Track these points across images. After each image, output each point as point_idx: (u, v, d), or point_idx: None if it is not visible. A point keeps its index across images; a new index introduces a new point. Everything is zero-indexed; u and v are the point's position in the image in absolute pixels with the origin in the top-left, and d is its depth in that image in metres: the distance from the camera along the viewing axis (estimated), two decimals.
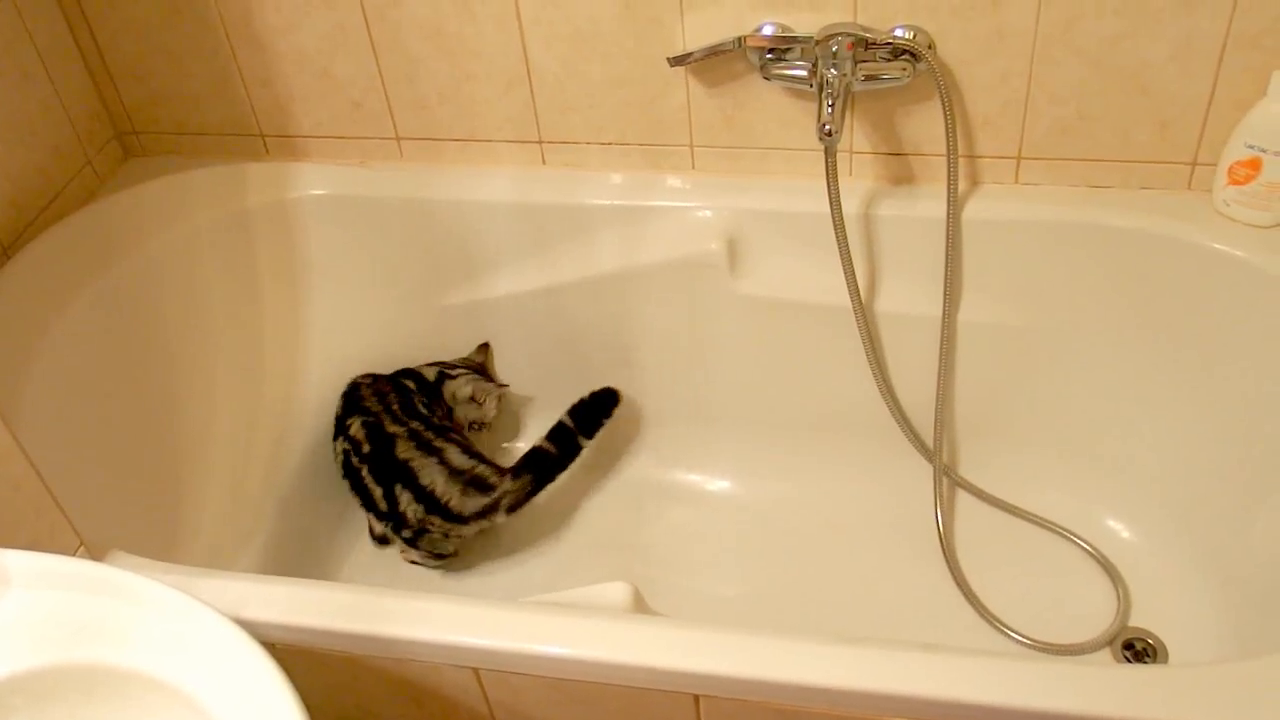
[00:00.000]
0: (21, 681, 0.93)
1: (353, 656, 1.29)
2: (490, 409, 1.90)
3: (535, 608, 1.29)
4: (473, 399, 1.88)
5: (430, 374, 1.91)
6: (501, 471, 1.76)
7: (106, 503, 1.54)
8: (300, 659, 1.29)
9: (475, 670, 1.28)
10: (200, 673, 0.92)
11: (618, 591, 1.36)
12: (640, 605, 1.37)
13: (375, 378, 1.90)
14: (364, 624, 1.26)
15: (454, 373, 1.90)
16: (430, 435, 1.79)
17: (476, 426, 1.93)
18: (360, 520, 1.90)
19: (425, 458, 1.76)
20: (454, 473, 1.74)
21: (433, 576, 1.84)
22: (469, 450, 1.79)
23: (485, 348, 1.96)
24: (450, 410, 1.89)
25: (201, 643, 0.94)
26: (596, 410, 1.83)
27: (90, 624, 0.97)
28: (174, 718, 0.92)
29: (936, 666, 1.16)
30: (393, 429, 1.79)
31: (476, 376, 1.90)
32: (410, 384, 1.88)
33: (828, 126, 1.53)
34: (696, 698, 1.23)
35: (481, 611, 1.27)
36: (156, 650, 0.94)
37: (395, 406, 1.83)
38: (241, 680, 0.91)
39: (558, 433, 1.80)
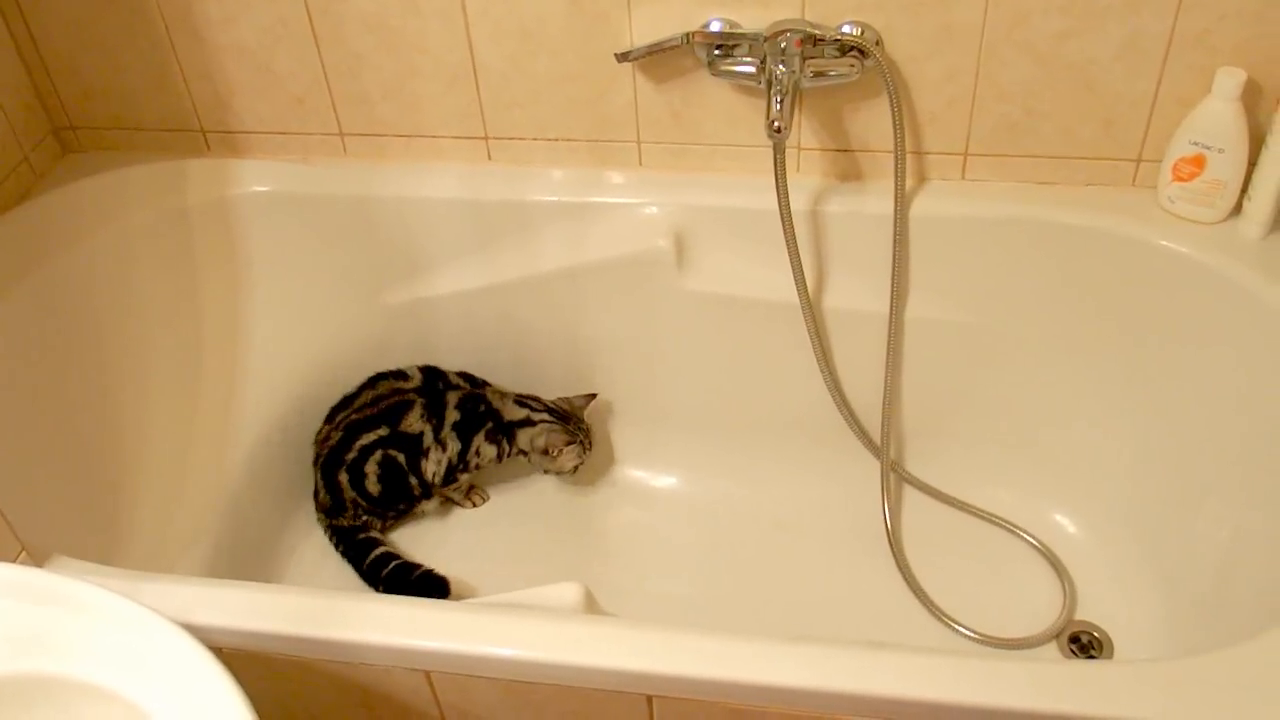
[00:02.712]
0: None
1: (303, 661, 1.29)
2: (565, 461, 1.86)
3: (487, 609, 1.29)
4: (545, 452, 1.85)
5: (514, 413, 1.87)
6: (333, 518, 1.85)
7: (45, 507, 1.52)
8: (249, 664, 1.28)
9: (427, 673, 1.27)
10: (149, 683, 0.91)
11: (569, 592, 1.36)
12: (592, 605, 1.37)
13: (430, 377, 1.89)
14: (314, 628, 1.25)
15: (537, 418, 1.86)
16: (333, 442, 1.84)
17: (552, 474, 1.92)
18: (305, 522, 1.89)
19: (321, 449, 1.86)
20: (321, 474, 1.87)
21: None
22: (338, 489, 1.83)
23: (590, 398, 1.93)
24: (524, 453, 1.87)
25: (151, 652, 0.93)
26: (416, 587, 1.75)
27: (36, 634, 0.96)
28: None
29: (888, 665, 1.17)
30: (336, 418, 1.87)
31: (556, 427, 1.85)
32: (453, 413, 1.84)
33: (776, 123, 1.53)
34: (650, 698, 1.24)
35: (433, 614, 1.27)
36: (104, 660, 0.93)
37: (353, 415, 1.85)
38: (191, 689, 0.90)
39: (379, 559, 1.78)
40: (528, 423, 1.85)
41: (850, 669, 1.17)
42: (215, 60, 1.79)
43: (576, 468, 1.88)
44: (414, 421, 1.83)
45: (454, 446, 1.83)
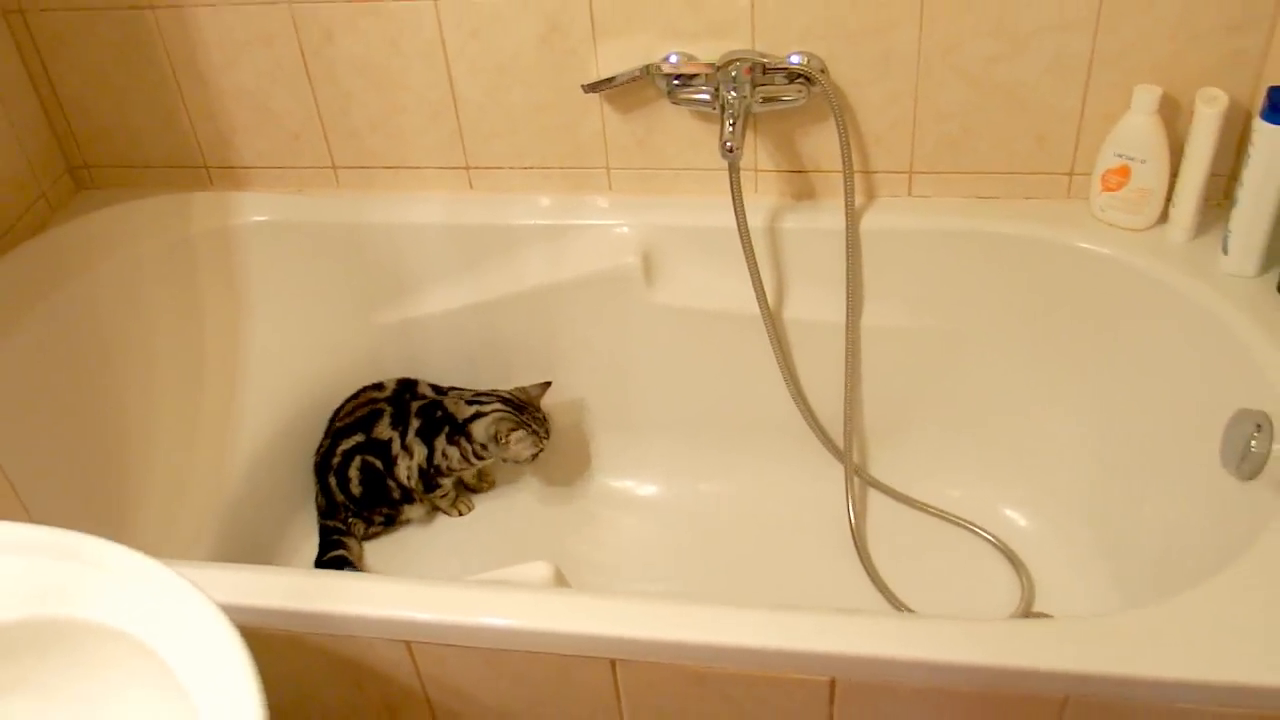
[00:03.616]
0: None
1: (291, 635, 1.36)
2: (520, 449, 1.89)
3: (463, 584, 1.37)
4: (496, 439, 1.89)
5: (465, 412, 1.92)
6: (328, 519, 1.98)
7: (57, 508, 1.61)
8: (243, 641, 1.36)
9: (408, 644, 1.34)
10: (159, 626, 0.97)
11: (539, 570, 1.44)
12: (561, 582, 1.45)
13: (401, 388, 1.99)
14: (301, 601, 1.33)
15: (487, 409, 1.90)
16: (323, 448, 1.98)
17: (511, 463, 1.97)
18: (301, 530, 1.98)
19: (317, 455, 2.00)
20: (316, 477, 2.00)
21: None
22: (330, 491, 1.96)
23: (545, 385, 1.97)
24: (484, 446, 1.91)
25: (160, 600, 0.99)
26: None
27: (56, 583, 1.00)
28: (134, 666, 0.97)
29: (835, 625, 1.25)
30: (329, 427, 2.01)
31: (506, 414, 1.89)
32: (415, 420, 1.94)
33: (729, 144, 1.63)
34: (613, 663, 1.31)
35: (412, 588, 1.35)
36: (118, 607, 0.98)
37: (337, 423, 1.97)
38: (197, 634, 0.96)
39: (336, 560, 1.91)
40: (478, 416, 1.90)
41: (799, 629, 1.24)
42: (218, 101, 1.90)
43: (535, 455, 1.92)
44: (384, 429, 1.93)
45: (420, 452, 1.92)
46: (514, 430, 1.87)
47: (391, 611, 1.32)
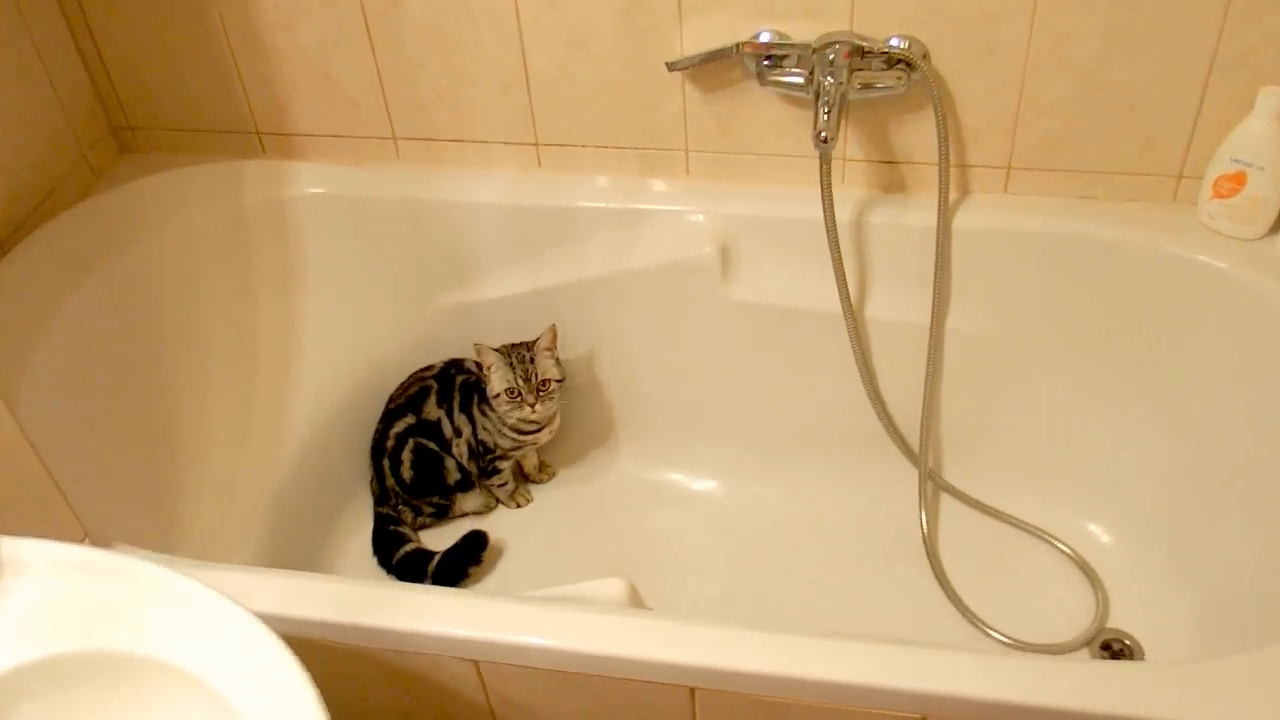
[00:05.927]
0: (40, 668, 0.95)
1: (354, 649, 1.32)
2: (497, 382, 1.81)
3: (536, 602, 1.32)
4: (482, 373, 1.84)
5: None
6: (380, 506, 1.94)
7: (105, 496, 1.56)
8: (299, 651, 1.30)
9: (475, 663, 1.31)
10: (213, 658, 0.94)
11: (614, 587, 1.40)
12: (636, 600, 1.41)
13: (448, 366, 1.94)
14: (368, 617, 1.29)
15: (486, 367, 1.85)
16: (378, 432, 1.94)
17: (518, 430, 1.89)
18: (356, 516, 1.94)
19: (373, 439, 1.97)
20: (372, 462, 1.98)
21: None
22: (383, 476, 1.92)
23: (550, 329, 1.84)
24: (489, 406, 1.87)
25: (214, 628, 0.96)
26: (465, 557, 1.84)
27: (105, 611, 0.98)
28: (188, 701, 0.94)
29: (918, 661, 1.21)
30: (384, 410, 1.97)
31: (506, 363, 1.81)
32: (457, 395, 1.91)
33: (824, 134, 1.57)
34: (692, 690, 1.27)
35: (483, 605, 1.30)
36: (170, 636, 0.96)
37: (389, 405, 1.94)
38: (254, 664, 0.94)
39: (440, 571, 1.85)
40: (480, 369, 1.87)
41: (885, 665, 1.21)
42: (273, 64, 1.84)
43: (532, 422, 1.85)
44: (431, 408, 1.88)
45: (467, 429, 1.88)
46: (492, 365, 1.82)
47: (464, 631, 1.29)
